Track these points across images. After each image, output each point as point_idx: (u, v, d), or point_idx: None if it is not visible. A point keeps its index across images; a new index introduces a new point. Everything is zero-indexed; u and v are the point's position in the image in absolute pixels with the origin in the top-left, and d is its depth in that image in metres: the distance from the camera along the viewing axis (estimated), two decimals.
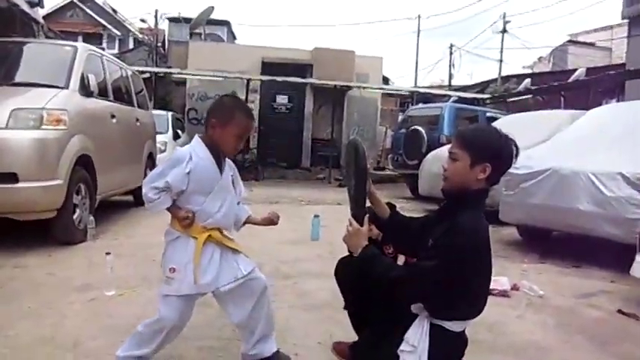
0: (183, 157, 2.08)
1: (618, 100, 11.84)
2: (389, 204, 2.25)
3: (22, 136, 4.15)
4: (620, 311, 3.41)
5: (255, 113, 14.74)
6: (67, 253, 4.36)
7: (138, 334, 2.14)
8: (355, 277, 2.08)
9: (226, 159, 2.22)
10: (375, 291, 1.99)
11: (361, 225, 2.01)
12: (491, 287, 3.62)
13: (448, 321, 1.89)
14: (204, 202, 2.10)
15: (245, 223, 2.33)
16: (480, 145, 1.93)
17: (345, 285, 2.23)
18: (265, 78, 14.40)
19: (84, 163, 4.81)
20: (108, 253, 3.45)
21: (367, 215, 2.06)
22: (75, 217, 4.66)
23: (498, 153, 1.93)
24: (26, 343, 2.49)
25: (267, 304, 2.26)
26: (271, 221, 2.36)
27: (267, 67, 15.22)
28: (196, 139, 2.17)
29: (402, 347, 1.86)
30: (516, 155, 1.96)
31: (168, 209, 2.11)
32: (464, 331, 1.97)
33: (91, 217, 4.89)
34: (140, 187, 6.93)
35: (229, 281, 2.14)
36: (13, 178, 4.06)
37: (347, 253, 2.12)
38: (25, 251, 4.27)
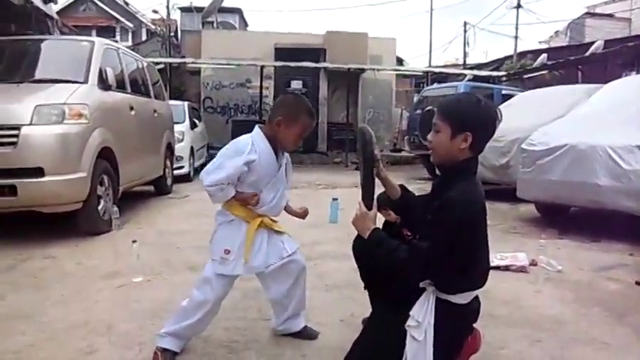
0: (243, 149, 2.16)
1: (638, 72, 11.61)
2: (401, 186, 2.30)
3: (47, 131, 4.28)
4: (638, 283, 3.43)
5: (270, 99, 14.81)
6: (94, 243, 4.50)
7: (182, 309, 2.25)
8: (365, 254, 2.16)
9: None
10: (383, 270, 2.06)
11: (369, 209, 2.06)
12: (509, 263, 3.72)
13: (452, 294, 1.94)
14: (260, 192, 2.21)
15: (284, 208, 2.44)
16: (458, 115, 1.95)
17: (360, 260, 2.30)
18: (279, 64, 14.43)
19: (106, 155, 4.93)
20: (134, 241, 3.59)
21: (376, 199, 2.11)
22: (99, 208, 4.80)
23: (477, 121, 1.94)
24: (61, 328, 2.61)
25: (303, 284, 2.42)
26: (303, 215, 2.47)
27: (281, 52, 15.23)
28: (257, 131, 2.25)
29: (408, 322, 1.92)
30: (499, 121, 1.98)
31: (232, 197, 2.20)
32: (472, 301, 2.00)
33: (115, 208, 5.03)
34: (160, 177, 7.08)
35: (275, 261, 2.29)
36: (39, 172, 4.20)
37: None
38: (53, 242, 4.42)
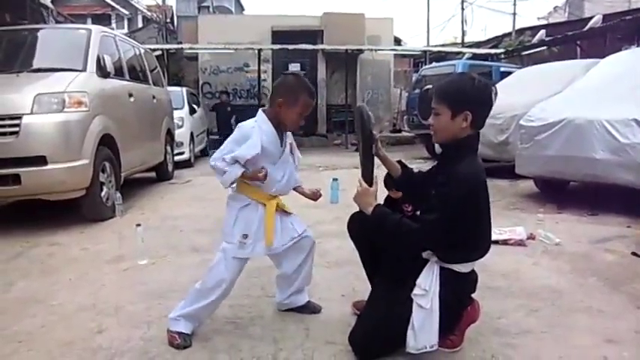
0: (249, 133, 2.21)
1: (638, 46, 11.53)
2: (399, 162, 2.36)
3: (48, 120, 4.31)
4: (634, 253, 3.49)
5: (268, 83, 14.78)
6: (98, 229, 4.56)
7: (196, 291, 2.30)
8: (366, 231, 2.22)
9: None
10: (387, 243, 2.12)
11: (370, 185, 2.12)
12: (507, 237, 3.78)
13: (456, 264, 2.03)
14: (270, 174, 2.25)
15: (295, 189, 2.50)
16: (456, 95, 2.02)
17: (357, 238, 2.38)
18: (276, 47, 14.37)
19: (107, 142, 4.97)
20: (138, 225, 3.64)
21: (376, 176, 2.17)
22: (102, 194, 4.85)
23: (475, 98, 2.01)
24: (70, 310, 2.68)
25: (311, 260, 2.51)
26: (314, 196, 2.53)
27: (278, 35, 15.17)
28: (261, 114, 2.31)
29: (414, 291, 2.00)
30: (495, 94, 2.05)
31: (241, 176, 2.23)
32: (472, 271, 2.10)
33: (118, 194, 5.09)
34: (161, 163, 7.12)
35: (287, 242, 2.37)
36: (42, 160, 4.24)
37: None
38: (58, 230, 4.48)
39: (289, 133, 2.40)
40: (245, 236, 2.26)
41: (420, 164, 8.02)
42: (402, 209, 2.26)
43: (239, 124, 2.31)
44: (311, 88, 2.33)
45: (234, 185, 2.32)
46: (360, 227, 2.31)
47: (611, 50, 9.07)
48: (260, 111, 2.34)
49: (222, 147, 2.25)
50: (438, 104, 2.04)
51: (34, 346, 2.26)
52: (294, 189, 2.49)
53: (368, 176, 2.15)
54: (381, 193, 2.28)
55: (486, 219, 2.07)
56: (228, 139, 2.27)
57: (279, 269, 2.52)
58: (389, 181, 2.36)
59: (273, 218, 2.29)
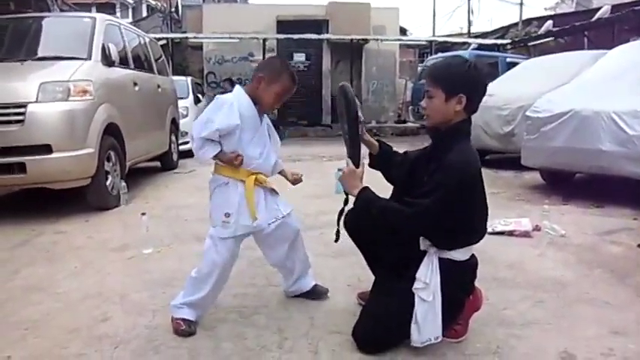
0: (226, 100, 2.20)
1: None
2: (378, 141, 2.36)
3: (53, 108, 4.31)
4: None
5: None
6: (103, 218, 4.57)
7: (192, 279, 2.30)
8: (361, 225, 2.23)
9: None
10: (381, 233, 2.12)
11: (357, 167, 2.12)
12: (512, 228, 3.77)
13: (453, 250, 2.01)
14: (247, 148, 2.24)
15: (279, 172, 2.49)
16: (450, 78, 1.99)
17: (353, 233, 2.37)
18: (281, 36, 14.33)
19: (112, 131, 4.97)
20: (143, 214, 3.65)
21: (363, 157, 2.17)
22: (107, 183, 4.86)
23: (469, 82, 1.99)
24: (75, 298, 2.69)
25: (301, 246, 2.51)
26: (296, 180, 2.52)
27: (283, 25, 15.11)
28: (238, 88, 2.31)
29: (415, 285, 1.99)
30: (490, 79, 2.03)
31: (216, 157, 2.22)
32: (471, 257, 2.09)
33: (123, 183, 5.10)
34: (166, 153, 7.12)
35: (272, 220, 2.35)
36: (47, 149, 4.25)
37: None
38: (63, 218, 4.50)
39: (265, 117, 2.38)
40: (227, 214, 2.23)
41: None
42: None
43: (217, 96, 2.29)
44: (294, 74, 2.32)
45: (213, 169, 2.32)
46: (356, 222, 2.31)
47: (619, 41, 8.99)
48: (237, 86, 2.35)
49: (201, 115, 2.23)
50: (432, 86, 2.02)
51: (39, 333, 2.27)
52: (280, 172, 2.48)
53: (355, 157, 2.16)
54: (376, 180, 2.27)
55: (482, 203, 2.05)
56: (207, 108, 2.25)
57: (268, 260, 2.53)
58: (371, 160, 2.36)
59: (252, 192, 2.24)
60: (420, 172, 2.09)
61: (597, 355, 2.04)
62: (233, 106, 2.18)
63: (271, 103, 2.30)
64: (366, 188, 2.10)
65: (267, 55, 14.22)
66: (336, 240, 2.33)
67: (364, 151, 2.24)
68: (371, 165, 2.36)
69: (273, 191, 2.38)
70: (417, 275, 1.99)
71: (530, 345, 2.12)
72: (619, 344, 2.12)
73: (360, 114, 2.19)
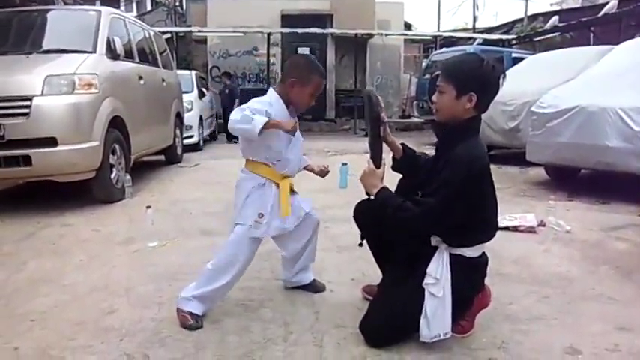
0: (261, 108, 2.18)
1: None
2: (402, 144, 2.35)
3: (58, 101, 4.32)
4: None
5: (277, 67, 14.72)
6: (109, 211, 4.58)
7: (208, 271, 2.30)
8: (373, 218, 2.21)
9: None
10: (393, 229, 2.11)
11: (378, 167, 2.12)
12: (517, 224, 3.77)
13: (465, 247, 2.01)
14: (284, 154, 2.28)
15: (304, 168, 2.54)
16: (463, 76, 1.97)
17: (364, 227, 2.36)
18: (286, 31, 14.29)
19: (117, 124, 4.98)
20: (148, 207, 3.66)
21: (384, 159, 2.16)
22: (112, 176, 4.87)
23: (482, 81, 1.97)
24: (82, 290, 2.71)
25: (315, 239, 2.55)
26: (323, 172, 2.56)
27: (287, 19, 15.08)
28: (272, 92, 2.32)
29: (426, 280, 1.99)
30: (503, 78, 2.02)
31: (265, 127, 2.10)
32: (482, 254, 2.09)
33: (128, 176, 5.11)
34: (170, 146, 7.11)
35: (298, 222, 2.40)
36: (52, 142, 4.26)
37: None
38: (69, 211, 4.51)
39: (294, 117, 2.40)
40: (261, 215, 2.27)
41: (429, 150, 7.96)
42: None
43: (254, 99, 2.29)
44: (322, 69, 2.35)
45: (246, 167, 2.33)
46: (367, 216, 2.31)
47: (626, 37, 8.94)
48: (271, 89, 2.35)
49: (242, 107, 2.20)
50: (444, 82, 2.00)
51: (46, 325, 2.29)
52: (304, 168, 2.53)
53: (377, 159, 2.16)
54: (393, 181, 2.27)
55: (491, 200, 2.05)
56: (248, 103, 2.23)
57: (285, 252, 2.55)
58: (394, 164, 2.35)
59: (287, 194, 2.31)
60: (432, 170, 2.08)
61: (602, 350, 2.04)
62: (266, 113, 2.15)
63: (307, 103, 2.33)
64: (385, 188, 2.09)
65: (272, 51, 14.25)
66: (361, 244, 2.37)
67: (386, 155, 2.22)
68: (394, 168, 2.34)
69: (293, 191, 2.43)
70: (428, 270, 2.00)
71: (536, 340, 2.12)
72: (624, 340, 2.11)
73: (382, 115, 2.19)
